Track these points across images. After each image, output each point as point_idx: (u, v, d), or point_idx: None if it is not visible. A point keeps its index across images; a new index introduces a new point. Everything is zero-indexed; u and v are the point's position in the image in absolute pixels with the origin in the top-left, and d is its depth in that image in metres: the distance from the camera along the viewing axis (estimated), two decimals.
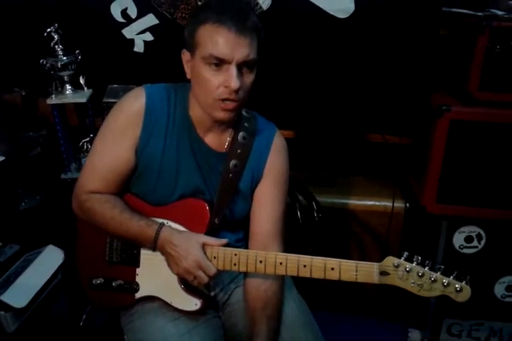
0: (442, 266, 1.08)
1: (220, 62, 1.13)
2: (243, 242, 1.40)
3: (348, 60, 2.02)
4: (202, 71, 1.16)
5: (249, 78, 1.18)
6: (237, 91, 1.14)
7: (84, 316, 1.51)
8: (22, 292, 1.76)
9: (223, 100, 1.16)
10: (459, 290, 1.05)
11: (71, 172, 2.05)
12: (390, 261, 1.09)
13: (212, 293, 1.35)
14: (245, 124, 1.32)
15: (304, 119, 2.18)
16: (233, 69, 1.13)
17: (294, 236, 1.44)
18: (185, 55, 1.22)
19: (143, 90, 1.25)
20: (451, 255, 1.90)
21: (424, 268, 1.08)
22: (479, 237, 1.88)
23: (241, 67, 1.15)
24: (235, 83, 1.13)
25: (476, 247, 1.89)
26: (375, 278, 1.10)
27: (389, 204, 2.05)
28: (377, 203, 2.07)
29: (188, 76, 1.23)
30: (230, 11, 1.13)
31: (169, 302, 1.27)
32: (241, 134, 1.30)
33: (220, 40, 1.12)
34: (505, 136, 1.70)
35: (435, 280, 1.06)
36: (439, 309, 1.98)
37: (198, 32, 1.15)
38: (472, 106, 1.71)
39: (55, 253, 1.92)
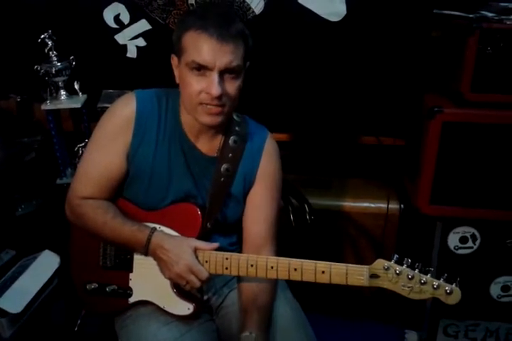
0: (432, 269, 1.09)
1: (201, 67, 1.14)
2: (237, 246, 1.40)
3: (341, 63, 2.03)
4: (186, 76, 1.17)
5: (233, 85, 1.17)
6: (219, 97, 1.14)
7: (79, 321, 1.51)
8: (18, 297, 1.76)
9: (206, 104, 1.17)
10: (449, 292, 1.06)
11: (66, 178, 2.06)
12: (380, 263, 1.10)
13: (205, 297, 1.35)
14: (236, 128, 1.32)
15: (299, 122, 2.19)
16: (215, 76, 1.13)
17: (288, 239, 1.45)
18: (174, 60, 1.23)
19: (133, 96, 1.26)
20: (446, 256, 1.89)
21: (415, 270, 1.08)
22: (474, 238, 1.88)
23: (223, 73, 1.15)
24: (215, 90, 1.13)
25: (471, 248, 1.89)
26: (365, 281, 1.10)
27: (384, 205, 2.05)
28: (372, 205, 2.07)
29: (177, 80, 1.24)
30: (213, 17, 1.14)
31: (162, 307, 1.27)
32: (232, 138, 1.31)
33: (202, 47, 1.12)
34: (498, 137, 1.70)
35: (425, 283, 1.07)
36: (436, 310, 1.98)
37: (183, 38, 1.16)
38: (464, 107, 1.71)
39: (51, 259, 1.92)
